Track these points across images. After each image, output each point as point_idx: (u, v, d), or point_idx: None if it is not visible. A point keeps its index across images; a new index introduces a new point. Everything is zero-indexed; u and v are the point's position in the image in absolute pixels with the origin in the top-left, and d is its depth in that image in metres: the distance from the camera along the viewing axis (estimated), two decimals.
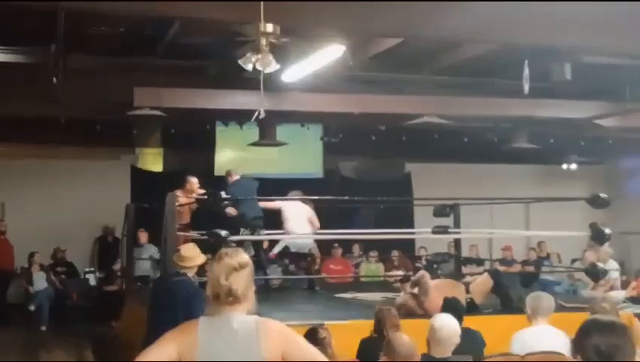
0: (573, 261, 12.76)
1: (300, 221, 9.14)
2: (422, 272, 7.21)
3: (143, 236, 11.52)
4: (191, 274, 5.59)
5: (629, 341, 2.44)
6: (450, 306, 5.28)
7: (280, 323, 2.88)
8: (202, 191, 9.12)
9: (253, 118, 8.23)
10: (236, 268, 2.77)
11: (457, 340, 4.39)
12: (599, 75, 9.80)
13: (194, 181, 9.24)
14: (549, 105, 10.77)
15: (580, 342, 2.46)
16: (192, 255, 5.70)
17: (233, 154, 13.28)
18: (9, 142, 12.13)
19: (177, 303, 5.33)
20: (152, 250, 11.33)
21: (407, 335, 4.01)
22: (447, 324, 4.41)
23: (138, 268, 10.99)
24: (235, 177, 9.34)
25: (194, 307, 4.88)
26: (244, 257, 2.84)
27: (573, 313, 6.40)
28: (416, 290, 6.83)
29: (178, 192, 8.57)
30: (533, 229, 14.18)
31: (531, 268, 12.34)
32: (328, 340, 4.16)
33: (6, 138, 11.78)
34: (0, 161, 12.48)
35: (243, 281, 2.76)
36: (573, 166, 14.51)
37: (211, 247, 7.98)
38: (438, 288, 6.85)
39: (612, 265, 10.14)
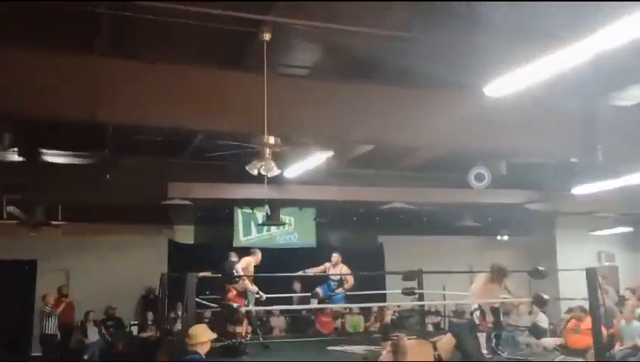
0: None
1: None
2: (400, 336, 6.25)
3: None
4: (202, 350, 4.46)
5: None
6: None
7: None
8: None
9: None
10: None
11: None
12: (527, 170, 9.17)
13: (259, 253, 7.94)
14: (488, 193, 9.99)
15: None
16: (195, 333, 4.52)
17: (248, 231, 12.45)
18: (73, 221, 11.32)
19: None
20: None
21: None
22: None
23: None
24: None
25: None
26: None
27: None
28: (394, 351, 5.86)
29: (248, 258, 7.72)
30: None
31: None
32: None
33: (71, 218, 11.01)
34: (66, 237, 11.74)
35: None
36: (505, 238, 13.78)
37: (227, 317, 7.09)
38: (412, 348, 5.92)
39: (543, 319, 9.30)
